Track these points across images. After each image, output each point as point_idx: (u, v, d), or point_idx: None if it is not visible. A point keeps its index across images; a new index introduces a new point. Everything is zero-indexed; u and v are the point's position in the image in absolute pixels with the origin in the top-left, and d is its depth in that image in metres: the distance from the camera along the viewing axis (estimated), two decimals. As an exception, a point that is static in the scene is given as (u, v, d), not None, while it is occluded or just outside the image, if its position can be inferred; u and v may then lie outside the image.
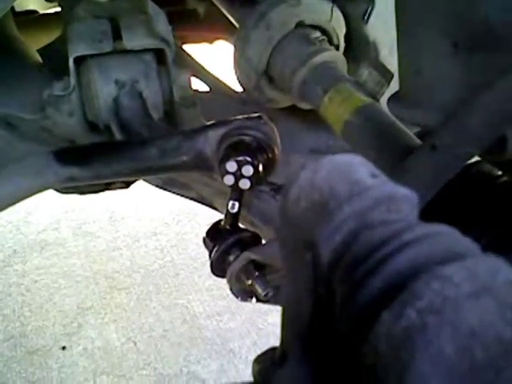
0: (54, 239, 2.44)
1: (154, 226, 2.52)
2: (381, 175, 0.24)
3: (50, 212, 2.61)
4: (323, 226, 0.22)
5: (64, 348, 1.87)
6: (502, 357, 0.16)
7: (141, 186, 1.32)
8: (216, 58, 1.85)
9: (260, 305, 1.81)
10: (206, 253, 2.62)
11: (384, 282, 0.21)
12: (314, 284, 0.24)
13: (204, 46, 1.50)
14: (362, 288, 0.21)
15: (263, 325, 1.96)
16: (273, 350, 0.49)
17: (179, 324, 1.96)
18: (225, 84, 1.17)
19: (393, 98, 0.59)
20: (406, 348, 0.18)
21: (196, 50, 1.41)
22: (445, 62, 0.49)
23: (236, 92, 1.16)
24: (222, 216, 0.96)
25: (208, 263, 2.53)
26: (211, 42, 1.50)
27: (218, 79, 1.17)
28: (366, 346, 0.19)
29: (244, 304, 2.09)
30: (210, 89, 1.17)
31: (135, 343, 1.89)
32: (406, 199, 0.23)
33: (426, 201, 0.38)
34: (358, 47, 0.90)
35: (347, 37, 0.88)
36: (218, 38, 1.49)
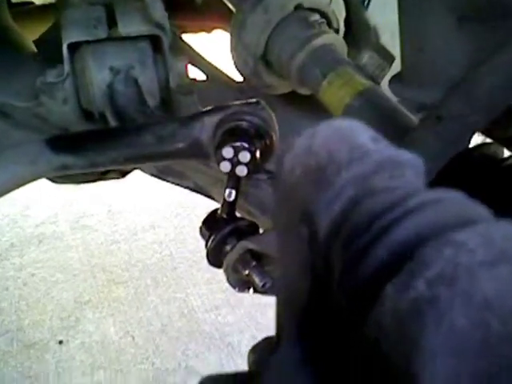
0: (52, 233, 2.42)
1: (153, 219, 2.50)
2: (383, 140, 0.22)
3: (47, 205, 2.59)
4: (321, 194, 0.21)
5: (61, 342, 1.86)
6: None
7: (139, 180, 1.31)
8: (214, 47, 1.83)
9: (259, 299, 1.80)
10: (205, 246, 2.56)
11: (388, 252, 0.19)
12: (311, 261, 0.22)
13: (202, 35, 1.48)
14: (364, 259, 0.19)
15: (262, 319, 1.95)
16: (269, 339, 0.47)
17: (177, 318, 1.95)
18: (222, 72, 1.15)
19: (394, 79, 0.57)
20: (413, 322, 0.16)
21: (194, 39, 1.39)
22: (449, 38, 0.48)
23: (234, 80, 1.14)
24: (219, 206, 0.94)
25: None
26: (209, 31, 1.48)
27: (215, 68, 1.15)
28: (368, 322, 0.17)
29: (243, 298, 2.08)
30: (208, 77, 1.15)
31: (133, 337, 1.87)
32: (410, 164, 0.21)
33: (433, 174, 0.36)
34: (358, 32, 0.88)
35: (347, 21, 0.86)
36: (216, 27, 1.47)
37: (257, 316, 1.96)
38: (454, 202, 0.20)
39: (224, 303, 2.01)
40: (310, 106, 1.00)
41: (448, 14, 0.47)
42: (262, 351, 0.45)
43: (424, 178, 0.22)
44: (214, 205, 1.08)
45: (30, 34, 1.27)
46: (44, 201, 2.61)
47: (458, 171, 0.46)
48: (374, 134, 0.23)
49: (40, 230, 2.44)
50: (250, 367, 0.46)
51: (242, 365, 1.76)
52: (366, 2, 0.84)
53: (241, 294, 2.19)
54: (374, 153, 0.21)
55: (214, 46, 1.82)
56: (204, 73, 1.15)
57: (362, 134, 0.22)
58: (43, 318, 1.96)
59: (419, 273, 0.17)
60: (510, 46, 0.36)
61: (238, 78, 1.17)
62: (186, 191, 1.03)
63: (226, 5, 1.17)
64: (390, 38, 0.89)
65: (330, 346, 0.22)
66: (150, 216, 2.52)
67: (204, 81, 1.14)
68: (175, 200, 2.58)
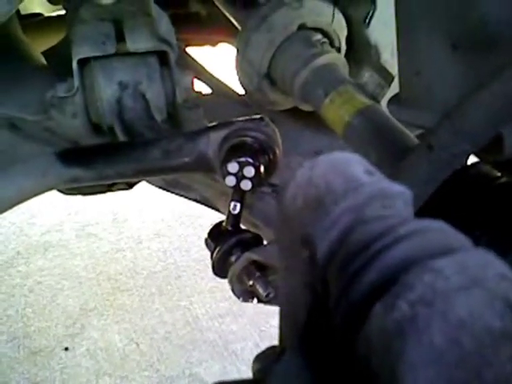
0: (58, 241, 2.45)
1: (157, 228, 2.53)
2: (376, 172, 0.25)
3: (53, 214, 2.62)
4: (319, 221, 0.23)
5: (67, 349, 1.88)
6: (491, 346, 0.17)
7: (144, 189, 1.33)
8: (219, 61, 1.86)
9: (262, 307, 1.82)
10: (209, 255, 2.63)
11: (377, 276, 0.21)
12: (310, 280, 0.24)
13: (207, 48, 1.51)
14: (356, 282, 0.21)
15: (265, 327, 1.97)
16: (272, 348, 0.49)
17: (181, 326, 1.97)
18: (227, 86, 1.17)
19: (393, 100, 0.59)
20: (397, 338, 0.18)
21: (199, 53, 1.42)
22: (444, 63, 0.50)
23: (238, 94, 1.16)
24: (224, 217, 0.96)
25: (210, 265, 2.53)
26: (214, 44, 1.51)
27: (220, 81, 1.17)
28: (360, 338, 0.20)
29: (246, 306, 2.10)
30: (213, 91, 1.17)
31: (138, 345, 1.89)
32: (399, 195, 0.24)
33: (423, 200, 0.39)
34: (359, 50, 0.91)
35: (349, 39, 0.89)
36: (221, 41, 1.49)
37: (260, 324, 1.98)
38: (438, 231, 0.22)
39: (228, 311, 2.03)
40: (313, 121, 1.02)
41: (443, 40, 0.49)
42: (266, 360, 0.47)
43: (412, 208, 0.24)
44: (217, 214, 1.11)
45: (38, 46, 1.30)
46: (50, 209, 2.64)
47: (454, 188, 0.48)
48: (368, 166, 0.25)
49: (46, 238, 2.47)
50: (254, 375, 0.48)
51: (245, 372, 1.78)
52: (367, 21, 0.86)
53: (244, 303, 2.20)
54: (368, 185, 0.24)
55: (218, 59, 1.85)
56: (209, 86, 1.18)
57: (357, 166, 0.25)
58: (49, 325, 1.98)
59: (403, 295, 0.19)
60: (494, 79, 0.38)
61: (242, 91, 1.19)
62: (191, 201, 1.06)
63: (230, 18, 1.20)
64: (390, 56, 0.92)
65: (328, 357, 0.24)
66: (155, 224, 2.55)
67: (209, 94, 1.16)
68: (180, 209, 2.60)
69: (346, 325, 0.21)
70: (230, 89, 1.16)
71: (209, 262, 2.54)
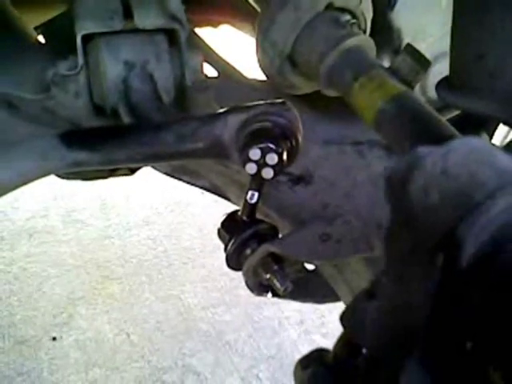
0: (43, 226, 2.37)
1: (146, 214, 2.47)
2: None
3: (38, 198, 2.54)
4: (471, 220, 0.19)
5: (54, 339, 1.82)
6: None
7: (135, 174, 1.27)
8: (221, 43, 1.80)
9: (255, 297, 1.78)
10: (200, 243, 2.60)
11: None
12: (438, 288, 0.20)
13: (208, 29, 1.46)
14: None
15: (259, 317, 1.94)
16: (318, 351, 0.45)
17: (173, 316, 1.93)
18: (235, 69, 1.12)
19: (443, 84, 0.55)
20: None
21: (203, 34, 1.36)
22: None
23: (246, 78, 1.12)
24: (218, 204, 0.92)
25: (202, 253, 2.50)
26: (216, 26, 1.46)
27: (228, 64, 1.12)
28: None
29: (239, 296, 2.07)
30: (219, 74, 1.12)
31: (128, 335, 1.84)
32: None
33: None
34: (381, 33, 0.87)
35: (372, 22, 0.84)
36: (223, 22, 1.44)
37: (253, 315, 1.94)
38: None
39: (220, 301, 1.99)
40: (323, 109, 0.98)
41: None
42: (315, 365, 0.44)
43: None
44: (207, 202, 1.06)
45: (29, 21, 1.23)
46: (34, 193, 2.56)
47: None
48: (509, 156, 0.21)
49: (31, 224, 2.39)
50: (302, 381, 0.44)
51: (238, 363, 1.75)
52: (391, 4, 0.82)
53: (237, 292, 2.17)
54: (525, 179, 0.19)
55: (221, 41, 1.79)
56: (216, 69, 1.13)
57: (501, 156, 0.20)
58: (35, 314, 1.92)
59: None
60: None
61: (250, 74, 1.14)
62: (180, 187, 1.01)
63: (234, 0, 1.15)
64: (411, 42, 0.87)
65: (458, 370, 0.21)
66: (144, 211, 2.49)
67: (216, 77, 1.11)
68: (169, 196, 2.55)
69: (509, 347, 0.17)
70: (238, 72, 1.11)
71: (200, 251, 2.51)
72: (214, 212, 2.16)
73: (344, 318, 0.35)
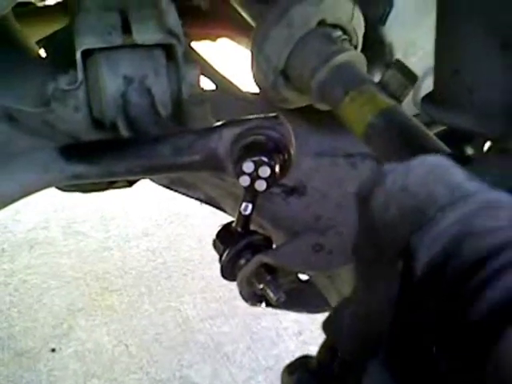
0: (44, 238, 2.39)
1: (146, 226, 2.48)
2: (476, 179, 0.22)
3: (39, 210, 2.56)
4: (423, 232, 0.20)
5: (54, 350, 1.83)
6: None
7: (132, 186, 1.29)
8: (219, 56, 1.83)
9: (253, 308, 1.79)
10: (199, 254, 2.61)
11: (503, 295, 0.19)
12: (400, 296, 0.22)
13: (207, 43, 1.48)
14: (479, 300, 0.19)
15: (257, 328, 1.94)
16: (302, 358, 0.46)
17: (172, 327, 1.93)
18: (231, 83, 1.14)
19: (427, 99, 0.57)
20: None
21: (199, 48, 1.38)
22: (490, 64, 0.48)
23: (242, 91, 1.14)
24: (217, 216, 0.93)
25: (201, 265, 2.51)
26: (214, 39, 1.48)
27: (224, 78, 1.14)
28: (488, 366, 0.17)
29: (238, 307, 2.07)
30: (217, 87, 1.15)
31: (127, 346, 1.85)
32: (506, 206, 0.21)
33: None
34: (372, 48, 0.89)
35: (363, 37, 0.87)
36: (222, 36, 1.47)
37: (251, 326, 1.95)
38: None
39: (218, 313, 1.99)
40: (315, 122, 1.00)
41: (490, 38, 0.47)
42: (300, 371, 0.45)
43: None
44: (207, 214, 1.07)
45: (31, 35, 1.26)
46: (35, 206, 2.57)
47: None
48: (466, 173, 0.23)
49: (31, 236, 2.40)
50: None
51: (237, 375, 1.75)
52: (383, 19, 0.84)
53: (235, 303, 2.17)
54: (475, 194, 0.21)
55: (218, 55, 1.82)
56: (213, 82, 1.15)
57: (457, 173, 0.22)
58: (35, 326, 1.92)
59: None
60: None
61: (246, 88, 1.17)
62: (180, 199, 1.02)
63: (231, 13, 1.17)
64: (403, 55, 0.90)
65: (417, 373, 0.22)
66: (143, 223, 2.50)
67: (213, 90, 1.14)
68: (168, 208, 2.56)
69: (464, 346, 0.19)
70: (234, 85, 1.13)
71: (199, 262, 2.51)
72: (213, 223, 2.16)
73: (325, 325, 0.36)
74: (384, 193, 0.22)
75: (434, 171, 0.22)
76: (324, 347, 0.40)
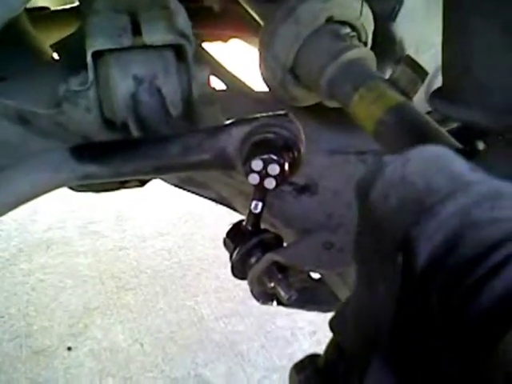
0: (60, 238, 2.41)
1: (161, 226, 2.50)
2: (479, 169, 0.22)
3: (56, 211, 2.59)
4: (422, 223, 0.20)
5: (70, 349, 1.85)
6: None
7: (147, 186, 1.31)
8: (230, 57, 1.83)
9: (268, 308, 1.78)
10: (213, 254, 2.61)
11: (505, 289, 0.18)
12: (400, 290, 0.21)
13: (218, 44, 1.48)
14: (480, 293, 0.19)
15: (271, 327, 1.94)
16: (311, 357, 0.46)
17: (187, 326, 1.94)
18: (242, 82, 1.14)
19: (436, 94, 0.57)
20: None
21: (211, 49, 1.39)
22: (499, 59, 0.47)
23: (253, 91, 1.14)
24: (231, 216, 0.93)
25: (215, 264, 2.51)
26: (226, 40, 1.48)
27: (235, 77, 1.14)
28: (492, 363, 0.17)
29: (252, 306, 2.07)
30: (227, 87, 1.15)
31: (142, 345, 1.86)
32: (509, 195, 0.21)
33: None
34: (383, 45, 0.88)
35: (373, 34, 0.86)
36: (233, 37, 1.47)
37: (266, 325, 1.95)
38: None
39: (233, 312, 2.00)
40: (327, 119, 1.00)
41: (500, 33, 0.46)
42: (308, 369, 0.45)
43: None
44: (221, 213, 1.07)
45: (46, 40, 1.27)
46: (52, 206, 2.60)
47: None
48: (468, 163, 0.22)
49: (48, 236, 2.43)
50: None
51: (251, 374, 1.75)
52: (393, 16, 0.84)
53: (250, 303, 2.17)
54: (477, 183, 0.21)
55: (229, 55, 1.82)
56: (224, 82, 1.15)
57: (458, 162, 0.22)
58: (52, 324, 1.95)
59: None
60: None
61: (258, 86, 1.16)
62: (195, 199, 1.03)
63: (243, 14, 1.17)
64: (414, 52, 0.89)
65: (419, 367, 0.22)
66: (159, 223, 2.52)
67: (223, 90, 1.14)
68: (183, 208, 2.57)
69: (465, 341, 0.19)
70: (245, 85, 1.13)
71: (213, 261, 2.51)
72: (228, 223, 2.17)
73: (331, 322, 0.36)
74: (383, 183, 0.22)
75: (434, 161, 0.22)
76: (331, 345, 0.40)
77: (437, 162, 0.22)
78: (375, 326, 0.24)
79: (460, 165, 0.22)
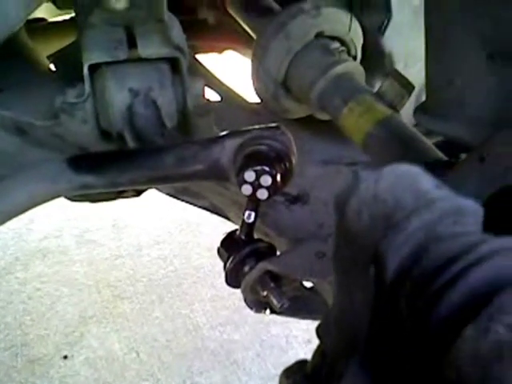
0: (57, 247, 2.42)
1: (157, 234, 2.51)
2: (444, 186, 0.24)
3: (52, 219, 2.60)
4: (390, 238, 0.22)
5: (66, 357, 1.85)
6: None
7: (144, 195, 1.32)
8: (225, 68, 1.85)
9: (263, 316, 1.79)
10: (209, 262, 2.62)
11: (463, 296, 0.20)
12: (374, 299, 0.23)
13: (213, 55, 1.50)
14: (439, 303, 0.20)
15: (266, 336, 1.95)
16: (299, 363, 0.48)
17: (182, 334, 1.95)
18: (237, 94, 1.16)
19: (419, 109, 0.59)
20: (495, 364, 0.17)
21: (206, 60, 1.41)
22: (478, 74, 0.49)
23: (248, 102, 1.16)
24: (227, 225, 0.95)
25: (211, 273, 2.52)
26: (220, 51, 1.51)
27: (230, 89, 1.16)
28: (447, 362, 0.19)
29: (247, 315, 2.09)
30: (222, 98, 1.17)
31: (138, 353, 1.87)
32: (472, 212, 0.23)
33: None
34: (372, 58, 0.90)
35: (362, 48, 0.88)
36: (228, 48, 1.49)
37: (261, 333, 1.96)
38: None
39: (228, 320, 2.01)
40: (321, 130, 1.02)
41: (478, 49, 0.48)
42: (296, 375, 0.46)
43: (481, 224, 0.23)
44: (217, 222, 1.09)
45: (43, 51, 1.29)
46: (49, 215, 2.61)
47: (503, 202, 0.47)
48: (435, 179, 0.24)
49: (44, 244, 2.44)
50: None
51: (246, 382, 1.76)
52: (382, 29, 0.86)
53: (245, 312, 2.18)
54: (440, 200, 0.23)
55: (224, 66, 1.84)
56: (218, 94, 1.17)
57: (426, 180, 0.24)
58: (48, 333, 1.95)
59: (498, 318, 0.18)
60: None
61: (253, 98, 1.18)
62: (190, 208, 1.04)
63: (238, 26, 1.19)
64: (403, 66, 0.91)
65: (394, 373, 0.23)
66: (155, 231, 2.53)
67: (218, 102, 1.16)
68: (179, 216, 2.58)
69: (428, 348, 0.20)
70: (239, 96, 1.15)
71: (209, 270, 2.52)
72: (224, 232, 2.19)
73: (318, 329, 0.38)
74: (357, 200, 0.24)
75: (403, 179, 0.23)
76: (318, 351, 0.42)
77: (406, 179, 0.23)
78: (354, 333, 0.26)
79: (427, 182, 0.24)
